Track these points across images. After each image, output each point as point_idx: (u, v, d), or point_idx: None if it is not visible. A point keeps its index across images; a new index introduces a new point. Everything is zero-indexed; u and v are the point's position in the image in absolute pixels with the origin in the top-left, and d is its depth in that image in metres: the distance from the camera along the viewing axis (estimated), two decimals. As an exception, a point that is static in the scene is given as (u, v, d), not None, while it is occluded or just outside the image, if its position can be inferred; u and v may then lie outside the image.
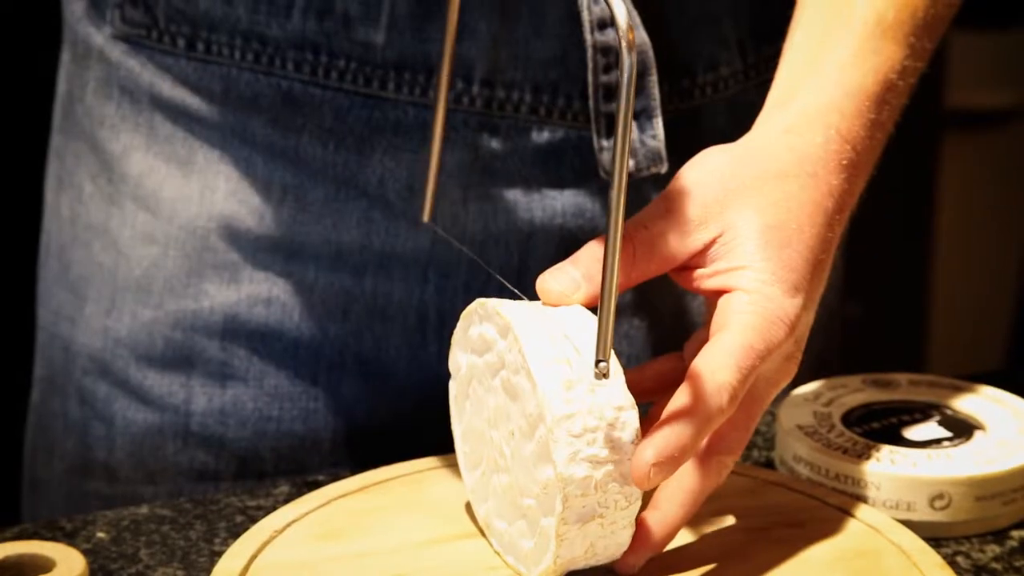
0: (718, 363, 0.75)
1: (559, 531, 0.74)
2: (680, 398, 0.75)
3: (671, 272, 0.80)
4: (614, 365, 0.75)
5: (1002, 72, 2.26)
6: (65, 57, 1.02)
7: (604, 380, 0.74)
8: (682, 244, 0.78)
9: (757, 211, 0.79)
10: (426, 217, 0.87)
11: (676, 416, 0.75)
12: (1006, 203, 2.32)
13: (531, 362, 0.74)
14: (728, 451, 0.78)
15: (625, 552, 0.77)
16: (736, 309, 0.77)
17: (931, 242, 2.26)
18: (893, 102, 0.84)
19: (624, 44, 0.71)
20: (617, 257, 0.72)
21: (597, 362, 0.73)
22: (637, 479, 0.74)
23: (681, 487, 0.77)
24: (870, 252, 2.18)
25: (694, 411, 0.75)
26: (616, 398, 0.74)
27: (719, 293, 0.78)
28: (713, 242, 0.79)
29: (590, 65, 0.91)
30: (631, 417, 0.74)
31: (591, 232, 0.94)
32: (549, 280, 0.78)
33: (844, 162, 0.81)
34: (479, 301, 0.79)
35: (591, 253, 0.78)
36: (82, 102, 0.99)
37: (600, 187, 0.94)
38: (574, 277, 0.77)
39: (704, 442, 0.77)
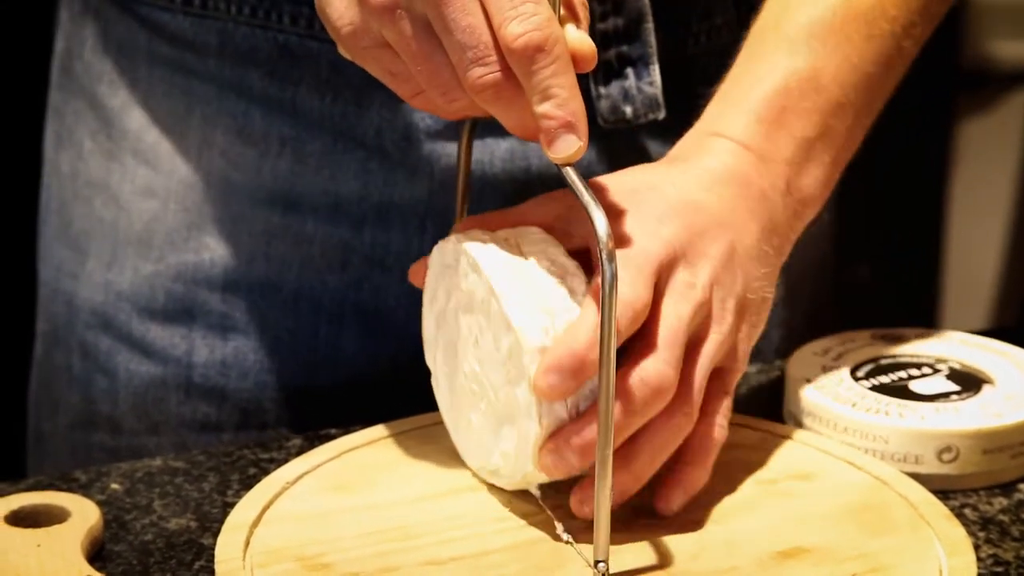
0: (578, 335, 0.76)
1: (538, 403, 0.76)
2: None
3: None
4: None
5: (1018, 31, 2.25)
6: (63, 15, 1.02)
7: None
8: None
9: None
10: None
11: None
12: (1022, 164, 2.32)
13: (504, 302, 0.76)
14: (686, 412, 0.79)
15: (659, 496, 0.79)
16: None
17: (945, 201, 2.26)
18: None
19: (604, 254, 0.73)
20: (611, 450, 0.74)
21: (596, 563, 0.75)
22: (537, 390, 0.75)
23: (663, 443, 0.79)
24: (885, 211, 2.18)
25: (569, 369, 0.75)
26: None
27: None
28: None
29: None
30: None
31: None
32: None
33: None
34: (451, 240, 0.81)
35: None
36: (80, 59, 1.00)
37: (596, 135, 0.95)
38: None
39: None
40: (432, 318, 0.84)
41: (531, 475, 0.78)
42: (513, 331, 0.76)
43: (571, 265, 0.79)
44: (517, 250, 0.79)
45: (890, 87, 0.88)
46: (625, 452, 0.78)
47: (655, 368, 0.77)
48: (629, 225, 0.79)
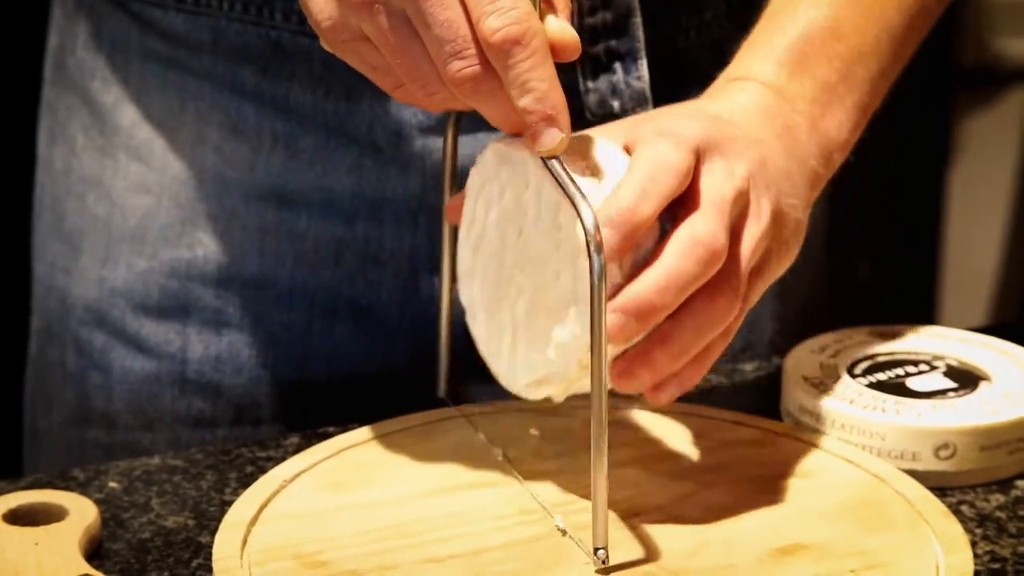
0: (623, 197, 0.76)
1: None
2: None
3: None
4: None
5: (1015, 29, 2.25)
6: (56, 11, 1.02)
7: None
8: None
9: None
10: (441, 392, 0.88)
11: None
12: (1020, 160, 2.32)
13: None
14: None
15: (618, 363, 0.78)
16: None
17: (944, 198, 2.26)
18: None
19: (592, 246, 0.73)
20: (605, 446, 0.74)
21: (595, 550, 0.75)
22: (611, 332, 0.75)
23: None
24: (884, 208, 2.19)
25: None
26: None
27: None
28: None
29: (575, 8, 0.92)
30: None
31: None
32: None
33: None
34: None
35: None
36: (73, 55, 1.00)
37: (584, 127, 0.95)
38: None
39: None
40: (469, 248, 0.83)
41: (586, 361, 0.76)
42: (563, 204, 0.75)
43: (612, 148, 0.78)
44: None
45: (914, 42, 0.89)
46: (666, 330, 0.77)
47: (705, 226, 0.76)
48: (659, 116, 0.80)
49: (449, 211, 0.84)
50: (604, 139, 0.79)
